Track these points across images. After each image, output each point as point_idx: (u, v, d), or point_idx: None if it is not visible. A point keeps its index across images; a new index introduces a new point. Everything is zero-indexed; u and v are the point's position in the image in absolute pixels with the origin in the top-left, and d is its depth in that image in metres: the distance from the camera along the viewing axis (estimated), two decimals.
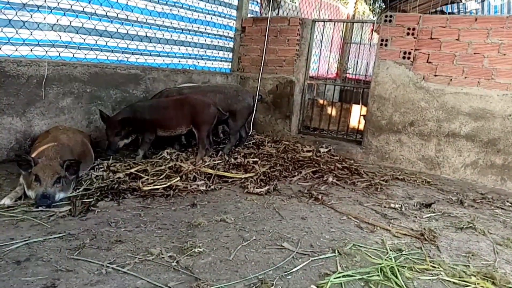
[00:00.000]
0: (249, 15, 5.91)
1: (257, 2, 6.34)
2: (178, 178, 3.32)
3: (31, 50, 3.58)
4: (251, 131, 5.47)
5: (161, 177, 3.34)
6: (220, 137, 5.25)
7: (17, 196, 2.66)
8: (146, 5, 4.52)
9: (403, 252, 2.39)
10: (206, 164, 3.73)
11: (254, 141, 5.12)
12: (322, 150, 4.82)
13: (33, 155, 2.78)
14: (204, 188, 3.25)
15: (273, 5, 6.69)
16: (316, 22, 5.52)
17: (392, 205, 3.26)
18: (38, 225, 2.34)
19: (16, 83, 3.38)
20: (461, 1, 9.24)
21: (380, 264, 2.19)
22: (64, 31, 3.79)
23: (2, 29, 3.35)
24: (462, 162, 4.37)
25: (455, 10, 9.09)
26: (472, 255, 2.46)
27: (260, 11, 6.44)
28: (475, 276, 2.17)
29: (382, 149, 4.79)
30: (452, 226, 2.94)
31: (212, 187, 3.32)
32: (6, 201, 2.57)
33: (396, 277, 2.07)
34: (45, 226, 2.32)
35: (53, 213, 2.50)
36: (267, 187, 3.38)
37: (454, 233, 2.81)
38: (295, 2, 8.01)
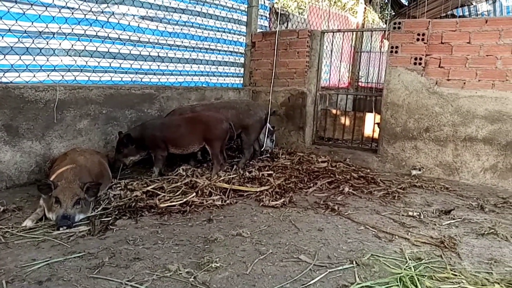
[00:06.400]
0: (258, 30, 5.99)
1: (266, 17, 6.42)
2: (194, 194, 3.35)
3: (48, 76, 3.71)
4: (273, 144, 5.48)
5: (177, 193, 3.37)
6: (234, 151, 5.28)
7: (38, 217, 2.73)
8: (157, 26, 4.64)
9: (423, 261, 2.34)
10: (221, 179, 3.76)
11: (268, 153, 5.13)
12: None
13: (52, 178, 2.85)
14: (219, 203, 3.27)
15: (281, 19, 6.76)
16: (325, 33, 5.56)
17: (410, 213, 3.21)
18: (58, 245, 2.39)
19: (35, 108, 3.50)
20: (472, 4, 9.16)
21: (399, 273, 2.16)
22: (79, 56, 3.91)
23: (20, 57, 3.48)
24: (481, 166, 4.29)
25: (466, 13, 9.02)
26: (495, 262, 2.40)
27: (269, 26, 6.51)
28: (498, 283, 2.11)
29: (398, 157, 4.74)
30: (473, 233, 2.87)
31: (227, 201, 3.34)
32: (28, 223, 2.64)
33: (416, 286, 2.03)
34: (65, 246, 2.37)
35: (72, 233, 2.55)
36: (282, 200, 3.37)
37: (475, 240, 2.75)
38: (303, 15, 8.08)
